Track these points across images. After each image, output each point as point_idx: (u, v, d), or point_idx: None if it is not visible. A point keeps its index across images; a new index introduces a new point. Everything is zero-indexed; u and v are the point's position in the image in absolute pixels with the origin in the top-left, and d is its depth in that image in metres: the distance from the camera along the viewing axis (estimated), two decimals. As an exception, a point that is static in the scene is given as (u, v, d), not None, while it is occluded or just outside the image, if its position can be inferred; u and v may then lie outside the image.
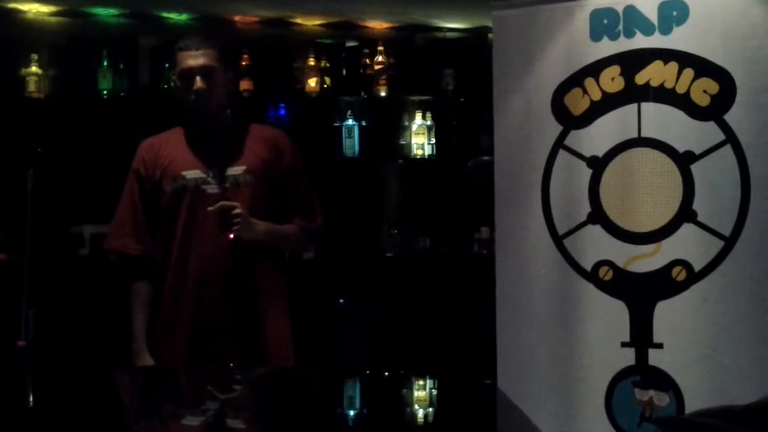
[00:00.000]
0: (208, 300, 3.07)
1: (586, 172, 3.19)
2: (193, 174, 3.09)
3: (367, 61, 5.64)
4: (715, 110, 3.02)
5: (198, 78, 3.05)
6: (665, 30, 3.10)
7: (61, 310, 4.75)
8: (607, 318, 3.13)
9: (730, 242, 2.99)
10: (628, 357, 3.10)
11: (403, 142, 5.74)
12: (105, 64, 5.33)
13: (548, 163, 3.25)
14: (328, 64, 5.58)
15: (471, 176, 5.44)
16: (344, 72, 5.64)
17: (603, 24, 3.19)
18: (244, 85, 5.43)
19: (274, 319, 3.13)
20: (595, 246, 3.17)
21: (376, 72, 5.62)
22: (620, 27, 3.16)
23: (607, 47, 3.17)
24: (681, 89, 3.06)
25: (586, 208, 3.18)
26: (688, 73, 3.06)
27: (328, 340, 4.97)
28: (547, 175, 3.25)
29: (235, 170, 3.09)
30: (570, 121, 3.22)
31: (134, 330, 3.14)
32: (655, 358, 3.07)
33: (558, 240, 3.22)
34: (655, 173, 3.09)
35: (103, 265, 5.17)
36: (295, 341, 3.24)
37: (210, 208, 2.99)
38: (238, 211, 2.99)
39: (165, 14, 5.47)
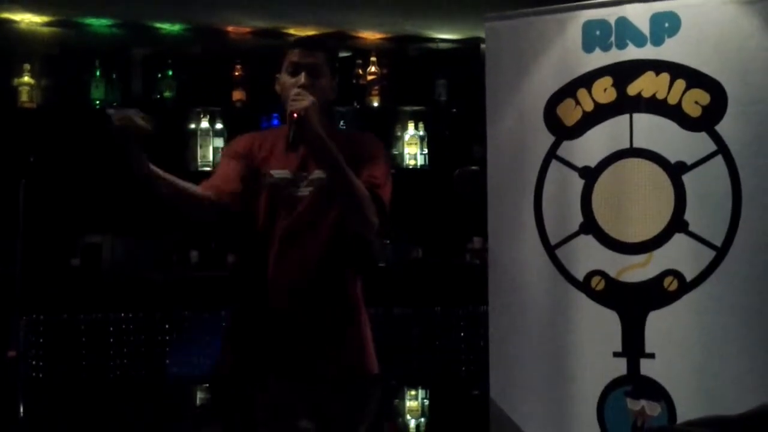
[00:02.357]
0: (280, 306, 3.00)
1: (579, 183, 3.20)
2: (281, 174, 3.06)
3: (360, 71, 5.65)
4: (707, 121, 3.03)
5: (304, 74, 3.05)
6: (657, 41, 3.11)
7: (53, 321, 4.73)
8: (599, 328, 3.14)
9: (721, 252, 2.99)
10: (620, 367, 3.11)
11: (396, 152, 5.74)
12: (98, 74, 5.33)
13: (541, 173, 3.25)
14: (320, 75, 5.58)
15: (458, 185, 5.47)
16: (337, 82, 5.64)
17: (595, 35, 3.20)
18: (237, 95, 5.43)
19: (350, 332, 3.07)
20: (588, 256, 3.17)
21: (369, 82, 5.63)
22: (612, 38, 3.18)
23: (600, 58, 3.19)
24: (673, 100, 3.08)
25: (578, 219, 3.19)
26: (680, 84, 3.07)
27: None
28: (540, 186, 3.25)
29: (320, 174, 3.05)
30: (562, 132, 3.23)
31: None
32: (646, 367, 3.07)
33: (550, 250, 3.22)
34: (647, 184, 3.10)
35: (96, 276, 5.17)
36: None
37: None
38: (309, 100, 2.93)
39: (158, 25, 5.47)
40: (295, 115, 2.89)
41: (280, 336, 2.93)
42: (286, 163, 3.04)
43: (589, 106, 3.19)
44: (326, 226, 3.01)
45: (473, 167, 5.45)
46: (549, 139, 3.25)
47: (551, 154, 3.24)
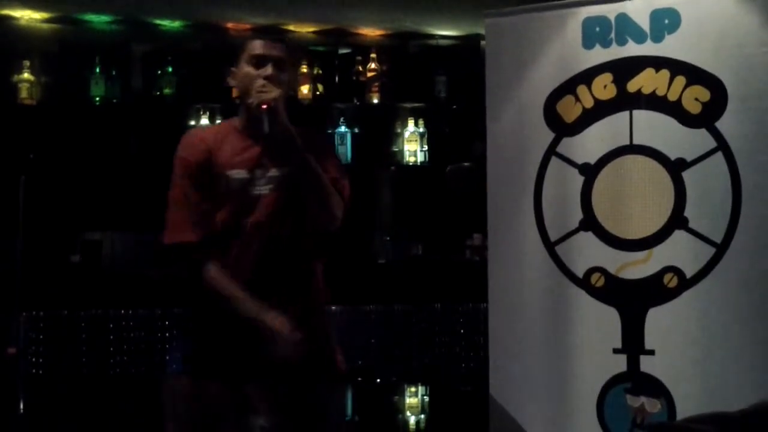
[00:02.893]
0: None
1: (579, 179, 3.20)
2: (238, 174, 3.04)
3: (360, 68, 5.66)
4: (707, 118, 3.03)
5: (270, 65, 3.02)
6: (657, 38, 3.11)
7: (53, 317, 4.73)
8: (598, 324, 3.13)
9: (721, 249, 2.99)
10: (620, 363, 3.11)
11: (396, 149, 5.75)
12: (97, 70, 5.34)
13: (540, 170, 3.25)
14: (320, 71, 5.59)
15: (450, 182, 5.49)
16: (337, 79, 5.65)
17: (595, 32, 3.19)
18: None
19: (316, 326, 3.07)
20: (587, 253, 3.17)
21: (369, 79, 5.63)
22: (612, 35, 3.17)
23: (600, 55, 3.18)
24: (673, 97, 3.07)
25: (578, 215, 3.19)
26: (680, 80, 3.07)
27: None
28: (540, 182, 3.25)
29: (277, 172, 3.02)
30: (562, 129, 3.23)
31: (241, 298, 2.94)
32: (646, 364, 3.07)
33: (550, 247, 3.22)
34: (647, 180, 3.10)
35: (96, 272, 5.17)
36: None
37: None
38: (278, 92, 2.93)
39: (158, 21, 5.47)
40: (265, 106, 2.88)
41: (244, 333, 2.93)
42: (242, 162, 3.02)
43: (589, 103, 3.19)
44: (288, 223, 3.00)
45: (466, 164, 5.48)
46: (549, 135, 3.25)
47: (551, 151, 3.24)
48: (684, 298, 3.03)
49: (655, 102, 3.09)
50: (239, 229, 2.97)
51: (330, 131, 5.59)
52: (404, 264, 5.52)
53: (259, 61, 3.01)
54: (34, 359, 4.57)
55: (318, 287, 3.11)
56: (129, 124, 5.40)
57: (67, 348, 4.71)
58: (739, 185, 2.98)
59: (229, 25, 5.55)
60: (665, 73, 3.08)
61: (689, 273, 3.03)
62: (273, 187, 2.98)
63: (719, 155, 3.00)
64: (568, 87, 3.22)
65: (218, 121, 5.47)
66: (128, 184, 5.28)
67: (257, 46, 3.03)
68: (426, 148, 5.71)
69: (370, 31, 5.73)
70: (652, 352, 3.06)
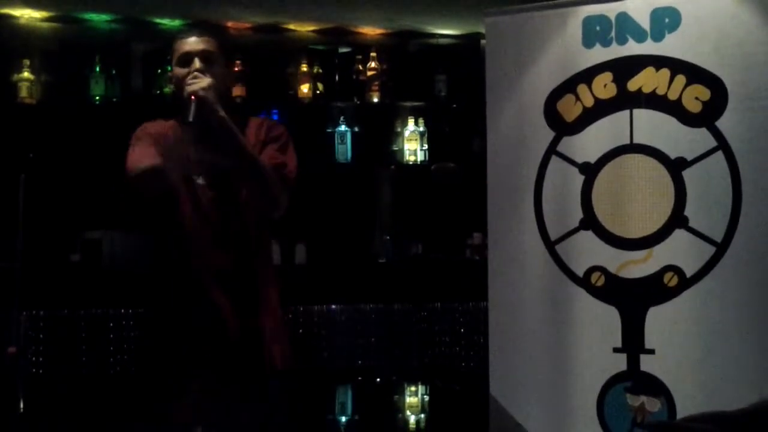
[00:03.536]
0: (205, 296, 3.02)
1: (579, 179, 3.20)
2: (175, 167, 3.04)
3: (360, 67, 5.65)
4: (707, 117, 3.03)
5: (197, 59, 3.03)
6: (657, 37, 3.11)
7: (53, 316, 4.73)
8: (599, 323, 3.14)
9: (721, 248, 2.99)
10: (620, 362, 3.11)
11: (396, 148, 5.74)
12: (97, 69, 5.33)
13: (541, 169, 3.25)
14: (320, 70, 5.59)
15: (435, 179, 5.55)
16: (337, 78, 5.64)
17: (595, 31, 3.20)
18: (237, 91, 5.42)
19: (269, 323, 3.10)
20: (588, 252, 3.17)
21: (369, 78, 5.62)
22: (612, 34, 3.17)
23: (600, 54, 3.18)
24: (673, 96, 3.07)
25: (578, 214, 3.19)
26: (680, 79, 3.07)
27: (319, 345, 4.97)
28: (540, 181, 3.25)
29: (212, 160, 3.02)
30: (563, 128, 3.23)
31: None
32: (646, 363, 3.07)
33: (550, 246, 3.22)
34: (647, 179, 3.10)
35: (96, 272, 5.17)
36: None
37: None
38: (208, 80, 2.94)
39: (158, 20, 5.47)
40: (193, 97, 2.89)
41: (200, 329, 2.96)
42: (179, 156, 3.04)
43: (589, 102, 3.19)
44: (232, 213, 3.02)
45: (450, 164, 5.54)
46: (549, 134, 3.25)
47: (551, 150, 3.24)
48: (684, 297, 3.03)
49: (655, 101, 3.09)
50: (183, 223, 3.01)
51: (330, 130, 5.59)
52: (404, 263, 5.52)
53: (186, 59, 3.04)
54: (34, 358, 4.57)
55: (266, 280, 3.11)
56: (129, 123, 5.38)
57: (67, 347, 4.71)
58: (739, 184, 2.98)
59: (229, 24, 5.55)
60: (665, 72, 3.08)
61: (689, 272, 3.03)
62: (210, 177, 3.00)
63: (719, 154, 3.00)
64: (569, 86, 3.22)
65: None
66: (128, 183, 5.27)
67: (182, 45, 3.08)
68: (426, 147, 5.71)
69: (370, 30, 5.73)
70: (652, 351, 3.07)
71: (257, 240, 3.08)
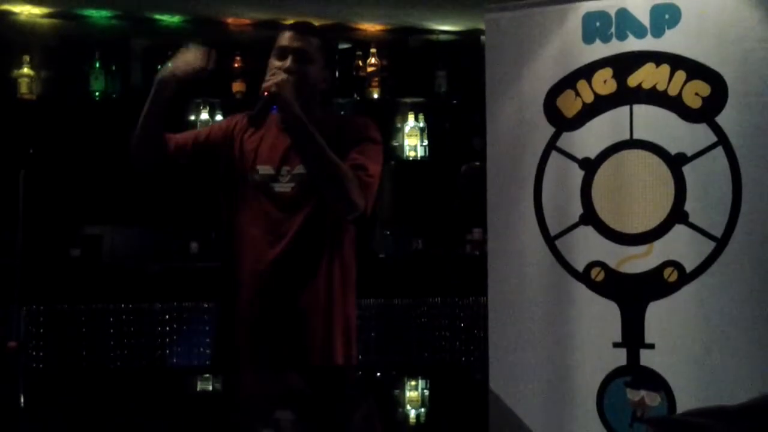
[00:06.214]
0: (257, 302, 3.01)
1: (579, 174, 3.20)
2: (264, 170, 3.03)
3: (360, 62, 5.66)
4: (707, 112, 3.03)
5: (290, 56, 3.00)
6: (657, 33, 3.11)
7: (53, 311, 4.74)
8: (599, 318, 3.14)
9: (721, 243, 3.00)
10: (620, 357, 3.11)
11: (396, 144, 5.75)
12: (97, 65, 5.34)
13: (540, 164, 3.25)
14: (320, 66, 5.58)
15: (462, 182, 5.49)
16: (337, 74, 5.65)
17: (595, 27, 3.20)
18: (237, 87, 5.43)
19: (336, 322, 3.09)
20: (587, 247, 3.17)
21: (369, 74, 5.63)
22: (612, 30, 3.17)
23: (600, 50, 3.18)
24: (673, 91, 3.08)
25: (578, 210, 3.19)
26: (680, 75, 3.07)
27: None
28: (540, 177, 3.25)
29: (302, 169, 2.98)
30: (562, 123, 3.23)
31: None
32: (646, 358, 3.08)
33: (550, 241, 3.23)
34: (647, 175, 3.10)
35: (96, 267, 5.18)
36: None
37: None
38: (283, 77, 2.90)
39: (157, 16, 5.47)
40: (266, 92, 2.86)
41: (262, 326, 2.95)
42: (269, 157, 3.01)
43: (589, 98, 3.19)
44: (309, 219, 3.00)
45: (477, 163, 5.49)
46: (549, 130, 3.25)
47: (551, 146, 3.24)
48: (684, 293, 3.03)
49: (655, 97, 3.09)
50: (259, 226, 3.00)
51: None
52: (404, 258, 5.53)
53: (282, 53, 3.01)
54: (34, 353, 4.57)
55: (331, 285, 3.11)
56: (129, 119, 5.38)
57: (68, 342, 4.72)
58: (739, 180, 2.98)
59: (229, 20, 5.55)
60: (665, 68, 3.09)
61: (689, 267, 3.03)
62: (295, 186, 2.98)
63: (719, 150, 3.01)
64: (568, 82, 3.22)
65: (218, 117, 5.47)
66: (128, 178, 5.28)
67: (281, 39, 3.04)
68: (426, 143, 5.72)
69: (371, 26, 5.73)
70: (652, 346, 3.07)
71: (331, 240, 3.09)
